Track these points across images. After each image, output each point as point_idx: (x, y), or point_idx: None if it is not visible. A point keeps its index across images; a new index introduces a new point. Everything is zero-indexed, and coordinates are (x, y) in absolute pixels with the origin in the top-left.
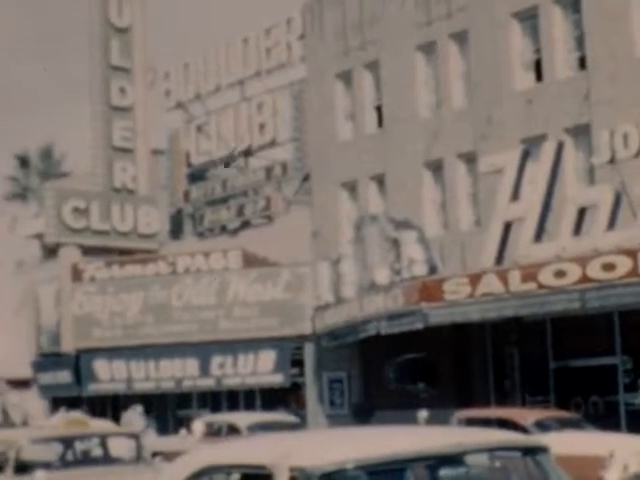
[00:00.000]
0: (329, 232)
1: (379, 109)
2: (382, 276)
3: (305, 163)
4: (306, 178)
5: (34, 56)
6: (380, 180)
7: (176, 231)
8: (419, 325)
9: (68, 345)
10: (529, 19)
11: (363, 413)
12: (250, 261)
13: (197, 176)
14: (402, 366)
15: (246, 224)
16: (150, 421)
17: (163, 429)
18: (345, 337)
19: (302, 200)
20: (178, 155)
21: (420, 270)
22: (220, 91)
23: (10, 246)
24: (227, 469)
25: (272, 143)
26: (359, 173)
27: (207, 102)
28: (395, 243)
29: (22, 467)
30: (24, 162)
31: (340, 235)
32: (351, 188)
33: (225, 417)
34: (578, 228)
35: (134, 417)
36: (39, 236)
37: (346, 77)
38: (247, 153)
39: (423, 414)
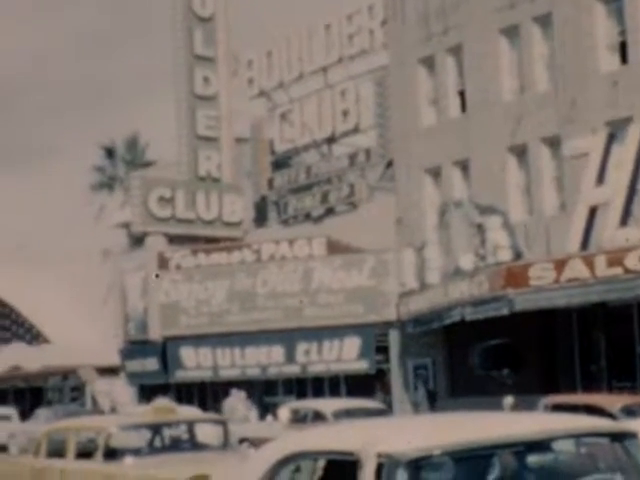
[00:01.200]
0: (413, 218)
1: (462, 94)
2: (467, 262)
3: (388, 149)
4: (389, 164)
5: (119, 48)
6: (464, 165)
7: (260, 219)
8: (504, 311)
9: (155, 333)
10: (613, 1)
11: (430, 398)
12: (334, 248)
13: (281, 163)
14: (487, 352)
15: (330, 211)
16: (252, 406)
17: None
18: (430, 323)
19: (386, 186)
20: (262, 143)
21: (505, 256)
22: (303, 78)
23: (97, 235)
24: (314, 455)
25: (355, 130)
26: (443, 159)
27: (290, 90)
28: (479, 228)
29: (111, 453)
30: (110, 152)
31: (424, 221)
32: (435, 174)
33: (310, 404)
34: None
35: (237, 402)
36: (126, 225)
37: (429, 62)
38: (330, 140)
39: (509, 400)
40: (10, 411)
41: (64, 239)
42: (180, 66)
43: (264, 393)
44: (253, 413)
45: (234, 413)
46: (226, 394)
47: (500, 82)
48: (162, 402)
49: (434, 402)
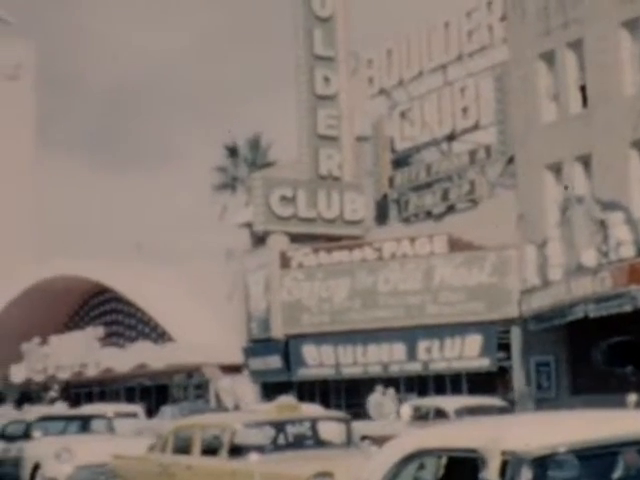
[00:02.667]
0: (534, 215)
1: (583, 89)
2: (589, 258)
3: (509, 146)
4: (510, 161)
5: (242, 49)
6: (586, 161)
7: (381, 217)
8: (627, 307)
9: (277, 331)
10: None
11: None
12: (455, 245)
13: (401, 162)
14: (610, 349)
15: (451, 208)
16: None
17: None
18: (552, 320)
19: (506, 183)
20: (382, 141)
21: (628, 252)
22: (422, 76)
23: (220, 235)
24: (437, 453)
25: (475, 126)
26: (564, 154)
27: (410, 88)
28: (602, 225)
29: (236, 450)
30: (233, 152)
31: (546, 217)
32: (556, 170)
33: (432, 401)
34: None
35: (383, 399)
36: (248, 225)
37: (549, 57)
38: (451, 137)
39: (632, 398)
40: (136, 408)
41: (187, 239)
42: (300, 66)
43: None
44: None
45: (379, 410)
46: (349, 392)
47: (622, 76)
48: (286, 400)
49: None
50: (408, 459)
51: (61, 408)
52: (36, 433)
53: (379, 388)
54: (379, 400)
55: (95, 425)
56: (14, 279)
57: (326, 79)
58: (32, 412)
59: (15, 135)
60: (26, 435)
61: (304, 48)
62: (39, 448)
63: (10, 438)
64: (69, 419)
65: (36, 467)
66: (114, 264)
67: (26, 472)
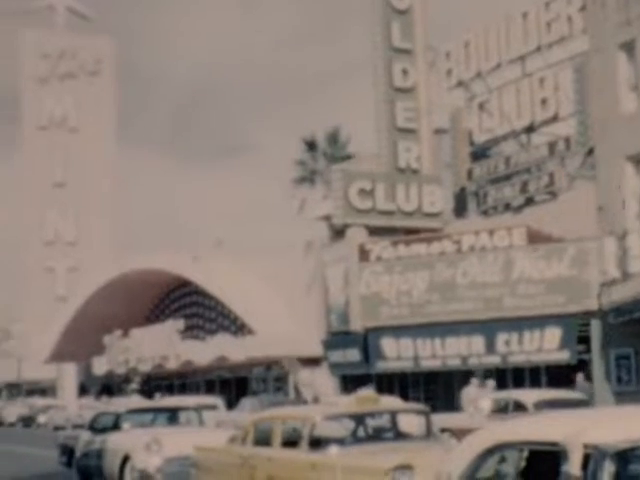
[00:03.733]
0: (614, 206)
1: None
2: None
3: (589, 137)
4: (590, 152)
5: (319, 42)
6: None
7: (460, 209)
8: None
9: (356, 324)
10: None
11: None
12: (534, 238)
13: (480, 154)
14: None
15: (530, 201)
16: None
17: (449, 406)
18: (632, 313)
19: (586, 175)
20: (461, 134)
21: None
22: (501, 68)
23: (300, 228)
24: (519, 446)
25: (554, 118)
26: None
27: (488, 79)
28: None
29: (316, 442)
30: (312, 146)
31: (626, 209)
32: (636, 161)
33: (511, 394)
34: None
35: (478, 392)
36: (327, 218)
37: (629, 47)
38: (529, 129)
39: None
40: (217, 400)
41: (266, 232)
42: (378, 59)
43: (464, 384)
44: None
45: (473, 403)
46: (427, 385)
47: None
48: (365, 392)
49: None
50: (489, 452)
51: (137, 401)
52: (125, 425)
53: (474, 380)
54: (470, 392)
55: (183, 417)
56: (96, 272)
57: (404, 72)
58: (113, 404)
59: (97, 130)
60: (115, 427)
61: (382, 41)
62: (129, 440)
63: (99, 430)
64: (158, 411)
65: (126, 459)
66: (195, 257)
67: (116, 464)
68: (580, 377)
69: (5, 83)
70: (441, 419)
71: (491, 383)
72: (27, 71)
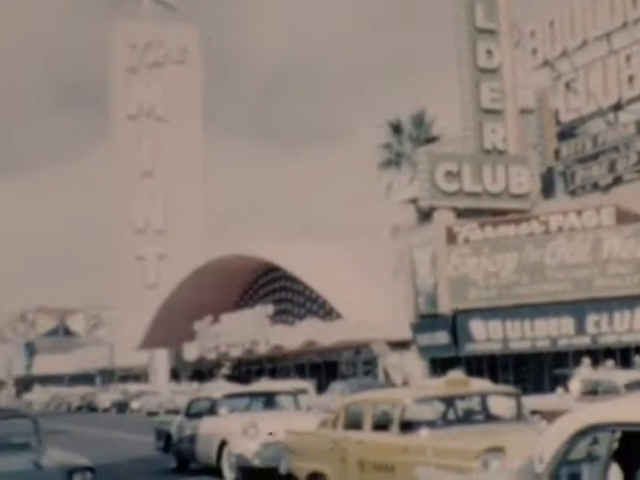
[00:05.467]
0: None
1: None
2: None
3: None
4: None
5: (402, 26)
6: None
7: (547, 190)
8: None
9: (445, 306)
10: None
11: None
12: (624, 217)
13: (567, 133)
14: None
15: (618, 180)
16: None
17: (538, 388)
18: None
19: None
20: (547, 113)
21: None
22: (587, 46)
23: (386, 211)
24: (612, 427)
25: None
26: None
27: (574, 58)
28: None
29: (406, 425)
30: (397, 129)
31: None
32: None
33: (602, 375)
34: None
35: (599, 373)
36: (413, 201)
37: None
38: (617, 107)
39: None
40: (307, 385)
41: (353, 216)
42: (463, 40)
43: (554, 365)
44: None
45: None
46: (516, 367)
47: None
48: (455, 375)
49: None
50: (581, 434)
51: (224, 386)
52: (222, 410)
53: (586, 360)
54: (588, 373)
55: (280, 401)
56: (186, 260)
57: (489, 52)
58: (203, 389)
59: (184, 118)
60: (211, 412)
61: (466, 22)
62: (226, 425)
63: (195, 415)
64: (254, 396)
65: (223, 444)
66: (283, 242)
67: (213, 449)
68: None
69: (96, 74)
70: (531, 401)
71: (610, 363)
72: (116, 61)
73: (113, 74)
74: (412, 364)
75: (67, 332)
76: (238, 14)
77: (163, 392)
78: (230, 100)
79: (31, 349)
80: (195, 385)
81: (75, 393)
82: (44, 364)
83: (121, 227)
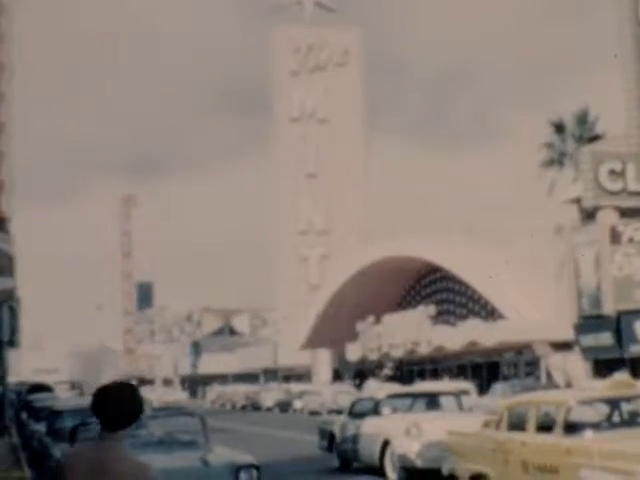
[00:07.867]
0: None
1: None
2: None
3: None
4: None
5: (565, 22)
6: None
7: None
8: None
9: (609, 307)
10: None
11: None
12: None
13: None
14: None
15: None
16: None
17: None
18: None
19: None
20: None
21: None
22: None
23: (549, 211)
24: None
25: None
26: None
27: None
28: None
29: (571, 427)
30: (560, 128)
31: None
32: None
33: None
34: None
35: None
36: (577, 200)
37: None
38: None
39: None
40: (468, 385)
41: (514, 216)
42: (626, 37)
43: None
44: None
45: None
46: None
47: None
48: (620, 377)
49: None
50: None
51: (375, 386)
52: (385, 410)
53: None
54: None
55: (442, 402)
56: (348, 260)
57: None
58: (364, 390)
59: (346, 120)
60: (375, 412)
61: (629, 18)
62: (389, 425)
63: (358, 415)
64: (416, 396)
65: (386, 444)
66: (445, 243)
67: (376, 449)
68: None
69: (260, 78)
70: None
71: None
72: (279, 65)
73: (276, 78)
74: (575, 365)
75: (232, 332)
76: (399, 16)
77: (325, 392)
78: (392, 101)
79: (197, 348)
80: (355, 385)
81: (239, 392)
82: (209, 363)
83: (284, 228)
